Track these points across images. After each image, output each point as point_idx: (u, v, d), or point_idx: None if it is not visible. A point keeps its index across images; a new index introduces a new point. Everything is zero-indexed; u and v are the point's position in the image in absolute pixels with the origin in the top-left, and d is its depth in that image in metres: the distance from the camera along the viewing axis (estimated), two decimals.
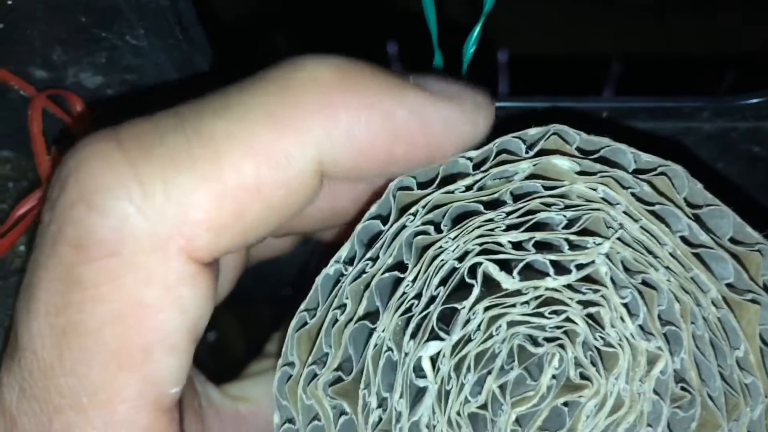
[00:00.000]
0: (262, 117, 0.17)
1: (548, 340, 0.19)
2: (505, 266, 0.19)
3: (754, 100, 0.26)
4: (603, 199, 0.19)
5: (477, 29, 0.22)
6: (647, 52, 0.49)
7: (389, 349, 0.19)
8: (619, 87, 0.50)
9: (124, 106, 0.27)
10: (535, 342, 0.19)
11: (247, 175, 0.16)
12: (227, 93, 0.17)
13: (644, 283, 0.19)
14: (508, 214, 0.19)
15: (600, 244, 0.18)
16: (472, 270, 0.19)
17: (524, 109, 0.27)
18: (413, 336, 0.19)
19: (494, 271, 0.18)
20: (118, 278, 0.16)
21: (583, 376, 0.19)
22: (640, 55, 0.48)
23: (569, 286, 0.19)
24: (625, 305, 0.19)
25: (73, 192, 0.16)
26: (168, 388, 0.17)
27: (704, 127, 0.27)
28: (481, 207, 0.19)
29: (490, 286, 0.19)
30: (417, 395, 0.19)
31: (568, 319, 0.19)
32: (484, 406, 0.19)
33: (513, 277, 0.18)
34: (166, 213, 0.16)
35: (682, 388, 0.19)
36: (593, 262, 0.18)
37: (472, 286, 0.19)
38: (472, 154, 0.19)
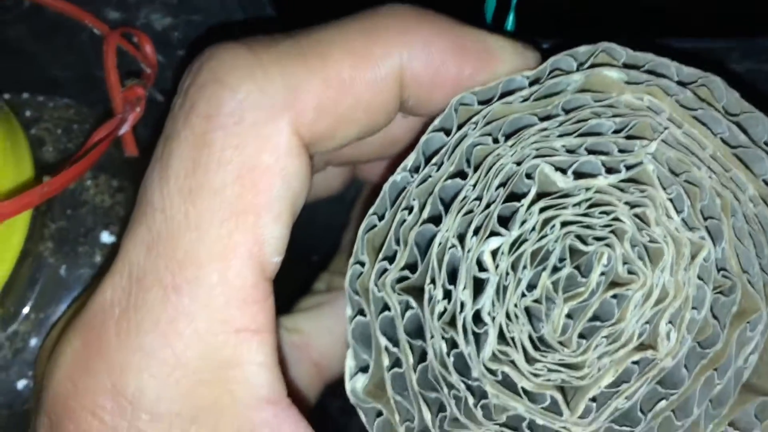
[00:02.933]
0: (356, 31, 0.20)
1: (597, 239, 0.21)
2: (560, 170, 0.21)
3: None
4: (648, 107, 0.21)
5: None
6: None
7: (453, 245, 0.20)
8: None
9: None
10: (585, 242, 0.21)
11: (344, 71, 0.20)
12: (328, 24, 0.21)
13: (688, 181, 0.20)
14: (562, 123, 0.20)
15: (647, 145, 0.20)
16: (528, 175, 0.21)
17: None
18: (475, 234, 0.20)
19: (550, 171, 0.20)
20: (241, 143, 0.19)
21: (630, 271, 0.21)
22: None
23: (618, 188, 0.20)
24: (671, 200, 0.20)
25: (207, 75, 0.20)
26: (272, 256, 0.20)
27: (734, 68, 0.29)
28: (536, 119, 0.21)
29: (544, 195, 0.21)
30: (478, 287, 0.21)
31: (616, 219, 0.21)
32: (538, 301, 0.21)
33: (567, 177, 0.20)
34: (281, 92, 0.19)
35: (724, 276, 0.20)
36: (641, 162, 0.20)
37: (529, 189, 0.20)
38: (528, 72, 0.21)
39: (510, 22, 0.25)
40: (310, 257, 0.42)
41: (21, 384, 0.28)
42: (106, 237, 0.30)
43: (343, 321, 0.21)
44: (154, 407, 0.19)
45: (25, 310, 0.28)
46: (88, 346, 0.20)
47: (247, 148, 0.19)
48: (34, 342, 0.28)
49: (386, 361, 0.20)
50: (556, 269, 0.21)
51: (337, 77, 0.20)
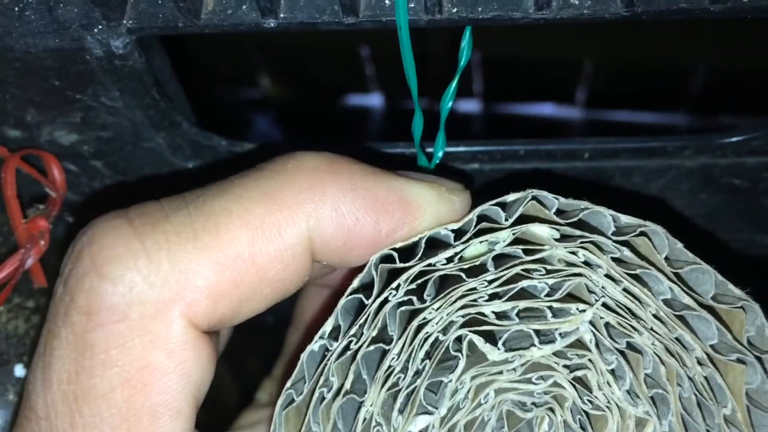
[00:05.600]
0: (256, 195, 0.18)
1: (537, 404, 0.19)
2: (490, 336, 0.19)
3: (734, 139, 0.26)
4: (584, 263, 0.19)
5: (453, 85, 0.22)
6: (620, 53, 0.49)
7: (378, 424, 0.18)
8: (592, 86, 0.50)
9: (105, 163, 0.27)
10: (523, 407, 0.19)
11: (243, 246, 0.18)
12: (227, 180, 0.19)
13: (629, 346, 0.19)
14: (490, 282, 0.19)
15: (583, 311, 0.18)
16: (458, 338, 0.19)
17: (505, 152, 0.27)
18: (401, 411, 0.18)
19: (479, 343, 0.18)
20: (127, 342, 0.17)
21: None
22: (613, 55, 0.49)
23: (555, 352, 0.19)
24: (611, 371, 0.19)
25: (86, 264, 0.18)
26: None
27: (686, 164, 0.27)
28: (462, 275, 0.19)
29: (476, 351, 0.19)
30: None
31: (555, 384, 0.19)
32: None
33: (498, 349, 0.18)
34: (169, 280, 0.17)
35: None
36: (577, 329, 0.18)
37: (458, 356, 0.19)
38: (453, 225, 0.19)
39: (440, 144, 0.23)
40: (264, 319, 0.41)
41: None
42: (20, 371, 0.27)
43: None
44: None
45: None
46: None
47: (135, 347, 0.17)
48: None
49: None
50: None
51: (234, 254, 0.18)
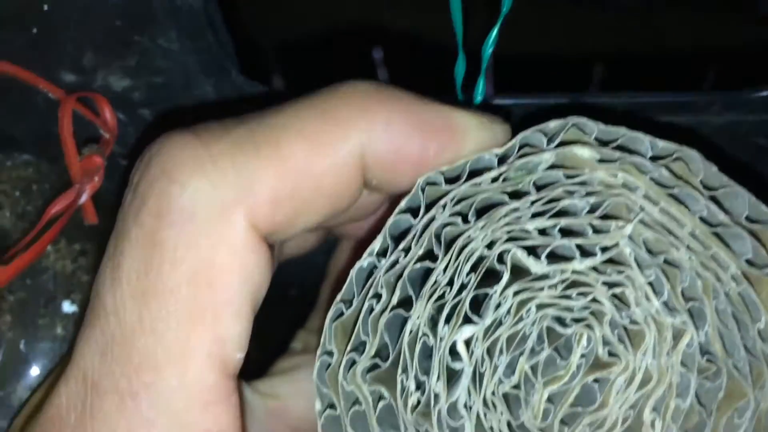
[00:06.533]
0: (313, 114, 0.19)
1: (576, 320, 0.20)
2: (532, 252, 0.20)
3: (763, 93, 0.27)
4: (623, 185, 0.20)
5: (495, 31, 0.23)
6: (632, 53, 0.50)
7: (425, 334, 0.19)
8: (603, 88, 0.51)
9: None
10: (563, 323, 0.20)
11: (301, 158, 0.19)
12: (283, 105, 0.20)
13: (666, 262, 0.20)
14: (533, 202, 0.19)
15: (623, 227, 0.19)
16: (500, 258, 0.20)
17: (541, 106, 0.28)
18: (447, 321, 0.19)
19: (522, 256, 0.19)
20: (193, 241, 0.18)
21: (611, 354, 0.20)
22: (625, 55, 0.50)
23: (594, 269, 0.19)
24: (650, 284, 0.19)
25: (156, 170, 0.19)
26: (234, 353, 0.19)
27: (714, 120, 0.28)
28: (506, 198, 0.20)
29: (518, 272, 0.20)
30: (453, 378, 0.20)
31: (594, 300, 0.20)
32: (517, 386, 0.20)
33: (541, 261, 0.19)
34: (233, 186, 0.18)
35: (708, 360, 0.20)
36: (617, 244, 0.19)
37: (502, 272, 0.19)
38: (497, 150, 0.20)
39: (480, 88, 0.24)
40: (288, 292, 0.42)
41: None
42: (68, 306, 0.28)
43: None
44: None
45: None
46: None
47: (201, 246, 0.18)
48: None
49: None
50: (533, 352, 0.20)
51: (292, 165, 0.19)
